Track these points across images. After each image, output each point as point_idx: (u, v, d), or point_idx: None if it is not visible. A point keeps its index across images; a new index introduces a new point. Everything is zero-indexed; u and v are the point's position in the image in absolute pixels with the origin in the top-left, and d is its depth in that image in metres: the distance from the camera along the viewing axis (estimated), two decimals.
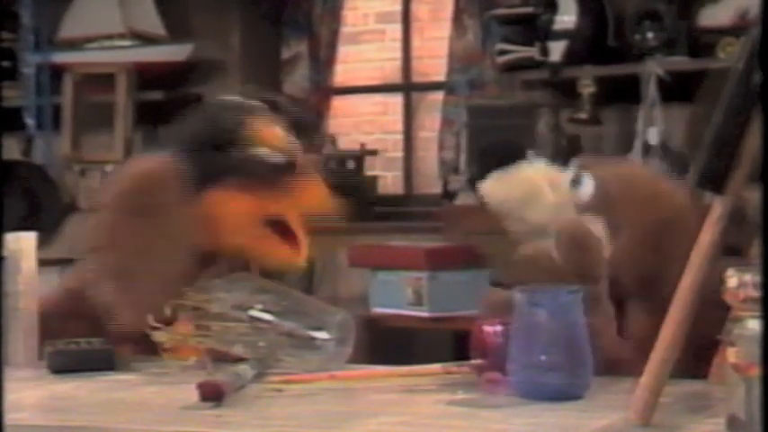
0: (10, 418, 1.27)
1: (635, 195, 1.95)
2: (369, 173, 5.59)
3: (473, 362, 1.83)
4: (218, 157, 2.15)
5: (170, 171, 2.13)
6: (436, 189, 5.36)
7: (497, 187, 1.97)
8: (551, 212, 1.97)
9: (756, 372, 1.32)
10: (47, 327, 2.11)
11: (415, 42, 5.80)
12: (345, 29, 5.81)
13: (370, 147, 5.64)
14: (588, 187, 1.96)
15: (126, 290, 2.08)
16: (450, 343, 4.06)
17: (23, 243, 2.12)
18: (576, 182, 1.97)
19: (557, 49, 4.65)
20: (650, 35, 4.55)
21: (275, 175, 2.16)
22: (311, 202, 2.20)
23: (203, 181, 2.14)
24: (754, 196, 1.52)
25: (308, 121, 2.26)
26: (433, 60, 5.69)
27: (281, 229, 2.19)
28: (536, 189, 1.98)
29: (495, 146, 2.13)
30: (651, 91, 4.45)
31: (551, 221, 1.96)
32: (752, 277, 1.36)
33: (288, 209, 2.18)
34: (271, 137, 2.19)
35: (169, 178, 2.12)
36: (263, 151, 2.17)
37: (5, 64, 5.48)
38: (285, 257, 2.20)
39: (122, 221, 2.12)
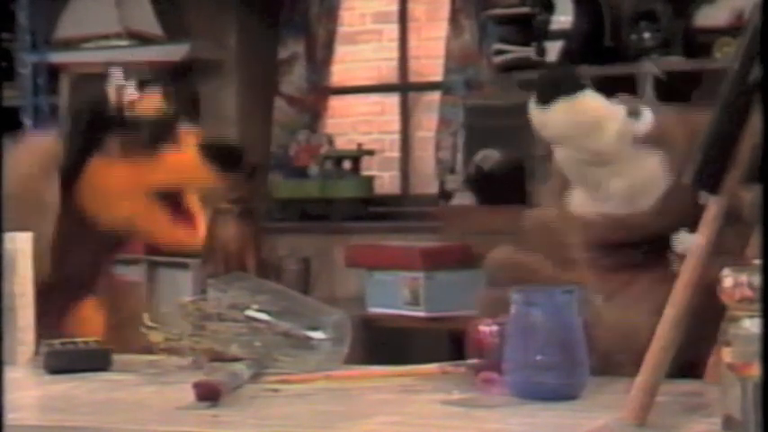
0: (7, 418, 1.27)
1: (693, 128, 1.95)
2: (366, 173, 5.59)
3: (469, 362, 1.83)
4: (95, 126, 2.24)
5: (45, 145, 2.24)
6: (433, 189, 5.36)
7: (565, 113, 1.98)
8: (612, 142, 1.97)
9: (752, 371, 1.32)
10: None
11: (412, 42, 5.80)
12: (342, 29, 5.81)
13: (367, 147, 5.64)
14: (647, 119, 1.97)
15: None
16: (447, 343, 4.07)
17: (19, 243, 2.12)
18: (634, 114, 1.98)
19: (553, 50, 4.65)
20: (647, 35, 4.55)
21: (151, 140, 2.22)
22: (186, 174, 2.23)
23: (84, 154, 2.23)
24: (749, 196, 1.52)
25: (187, 94, 2.34)
26: (430, 60, 5.69)
27: (173, 205, 2.25)
28: (599, 118, 1.98)
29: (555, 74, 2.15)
30: (648, 91, 4.45)
31: (611, 151, 1.97)
32: (747, 277, 1.36)
33: (163, 181, 2.22)
34: (144, 104, 2.25)
35: (39, 156, 2.23)
36: (137, 116, 2.24)
37: (2, 64, 5.47)
38: (180, 236, 2.26)
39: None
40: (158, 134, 2.22)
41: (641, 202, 1.96)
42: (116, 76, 2.29)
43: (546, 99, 1.96)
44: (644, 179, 1.96)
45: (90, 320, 2.21)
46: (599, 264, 2.01)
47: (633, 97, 2.08)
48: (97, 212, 2.22)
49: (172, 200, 2.25)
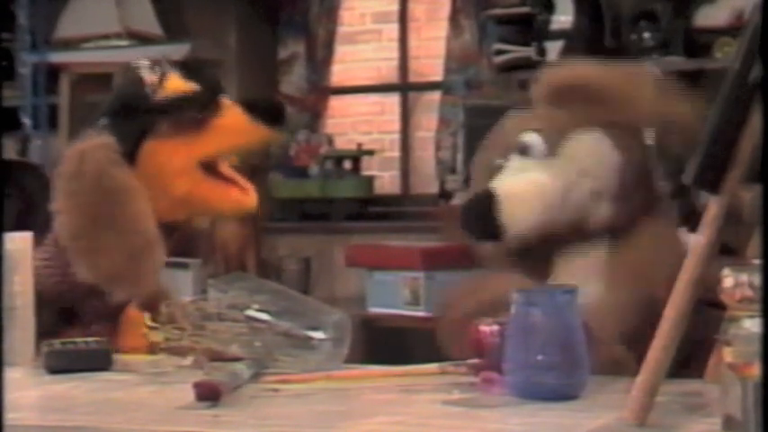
0: (7, 418, 1.27)
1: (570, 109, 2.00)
2: (366, 173, 5.59)
3: (469, 362, 1.83)
4: (139, 113, 2.23)
5: (104, 140, 2.21)
6: (433, 189, 5.36)
7: (523, 213, 2.00)
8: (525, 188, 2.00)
9: (752, 371, 1.32)
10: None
11: (412, 42, 5.80)
12: (342, 29, 5.81)
13: (367, 147, 5.64)
14: (536, 142, 2.00)
15: (84, 252, 2.14)
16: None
17: (20, 243, 2.12)
18: (524, 150, 2.01)
19: (554, 49, 4.65)
20: (647, 35, 4.55)
21: (195, 112, 2.22)
22: (239, 136, 2.25)
23: (136, 141, 2.22)
24: (749, 196, 1.52)
25: (213, 79, 2.34)
26: (430, 60, 5.70)
27: (218, 176, 2.27)
28: (537, 188, 1.99)
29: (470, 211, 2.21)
30: None
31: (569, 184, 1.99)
32: (748, 277, 1.36)
33: (218, 148, 2.24)
34: (179, 85, 2.26)
35: (104, 146, 2.20)
36: (175, 96, 2.24)
37: (2, 64, 5.47)
38: (235, 200, 2.29)
39: (70, 201, 2.19)
40: (201, 107, 2.23)
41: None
42: (145, 63, 2.29)
43: (481, 234, 2.02)
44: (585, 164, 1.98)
45: (137, 323, 2.19)
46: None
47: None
48: (153, 199, 2.22)
49: (215, 170, 2.26)
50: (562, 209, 1.98)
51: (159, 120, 2.22)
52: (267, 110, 2.28)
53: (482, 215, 1.99)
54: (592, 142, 2.00)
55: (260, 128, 2.23)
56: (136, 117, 2.24)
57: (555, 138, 2.00)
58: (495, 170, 2.05)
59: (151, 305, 2.15)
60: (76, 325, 2.20)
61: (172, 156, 2.22)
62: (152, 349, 2.10)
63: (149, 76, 2.26)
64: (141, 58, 2.31)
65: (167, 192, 2.22)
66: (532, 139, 2.00)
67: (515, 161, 2.04)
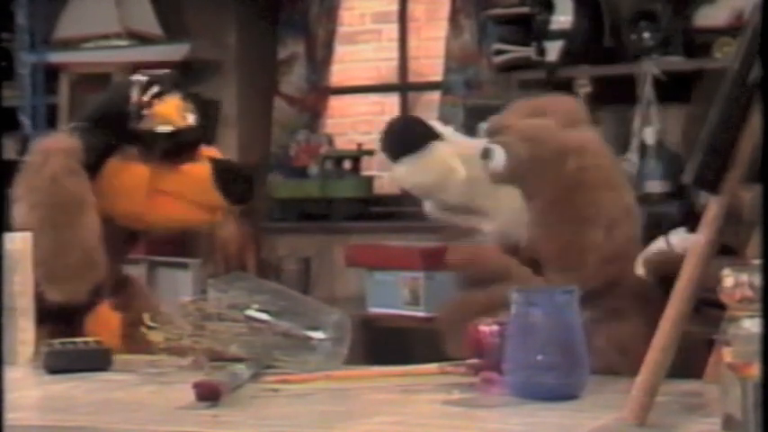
0: (7, 418, 1.27)
1: (542, 161, 1.92)
2: (366, 173, 5.59)
3: (469, 362, 1.83)
4: (116, 129, 2.23)
5: (70, 145, 2.21)
6: None
7: (410, 173, 1.96)
8: (466, 190, 1.96)
9: (752, 371, 1.32)
10: None
11: (412, 42, 5.80)
12: (342, 29, 5.81)
13: (367, 147, 5.64)
14: (499, 158, 1.93)
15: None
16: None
17: (19, 243, 2.12)
18: (486, 154, 1.95)
19: (553, 50, 4.65)
20: (646, 35, 4.55)
21: (167, 148, 2.21)
22: (195, 195, 2.24)
23: (103, 154, 2.22)
24: (749, 196, 1.52)
25: (210, 101, 2.33)
26: (430, 60, 5.69)
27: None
28: (447, 170, 1.95)
29: (401, 127, 2.10)
30: (647, 91, 4.45)
31: (468, 198, 1.96)
32: (748, 277, 1.36)
33: (173, 191, 2.23)
34: (166, 112, 2.24)
35: (68, 151, 2.20)
36: (158, 124, 2.22)
37: (2, 64, 5.47)
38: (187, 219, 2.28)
39: (27, 194, 2.20)
40: (177, 148, 2.22)
41: (517, 235, 1.94)
42: (139, 80, 2.27)
43: (392, 155, 1.95)
44: (512, 215, 1.94)
45: (107, 322, 2.20)
46: None
47: (498, 117, 2.06)
48: (112, 208, 2.22)
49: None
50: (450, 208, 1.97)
51: (131, 142, 2.22)
52: (236, 182, 2.26)
53: (405, 133, 1.97)
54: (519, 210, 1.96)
55: (218, 198, 2.23)
56: (109, 132, 2.24)
57: (515, 169, 1.94)
58: None
59: (125, 305, 2.17)
60: (51, 322, 2.20)
61: (131, 178, 2.23)
62: (124, 348, 2.11)
63: (138, 96, 2.24)
64: (141, 75, 2.29)
65: (123, 208, 2.23)
66: (498, 152, 1.94)
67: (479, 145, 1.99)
